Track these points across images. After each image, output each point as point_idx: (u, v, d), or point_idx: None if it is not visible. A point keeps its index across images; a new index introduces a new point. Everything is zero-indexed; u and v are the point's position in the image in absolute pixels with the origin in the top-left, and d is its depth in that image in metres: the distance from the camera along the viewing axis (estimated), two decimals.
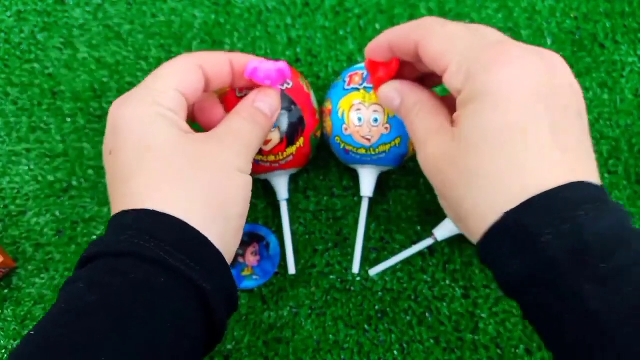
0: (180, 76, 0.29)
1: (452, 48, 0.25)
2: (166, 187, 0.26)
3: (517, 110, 0.23)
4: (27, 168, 0.41)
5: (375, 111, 0.34)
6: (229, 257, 0.28)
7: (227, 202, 0.27)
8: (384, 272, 0.39)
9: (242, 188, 0.28)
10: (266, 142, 0.35)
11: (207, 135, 0.29)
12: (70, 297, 0.23)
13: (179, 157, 0.27)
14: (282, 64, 0.32)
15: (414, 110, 0.28)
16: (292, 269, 0.38)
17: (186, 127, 0.29)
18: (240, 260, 0.39)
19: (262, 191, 0.41)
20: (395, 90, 0.30)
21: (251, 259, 0.39)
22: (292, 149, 0.35)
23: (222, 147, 0.28)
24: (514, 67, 0.23)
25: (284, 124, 0.34)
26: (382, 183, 0.41)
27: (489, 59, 0.23)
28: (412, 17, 0.45)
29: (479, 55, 0.24)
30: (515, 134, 0.22)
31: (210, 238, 0.26)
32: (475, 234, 0.24)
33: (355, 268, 0.39)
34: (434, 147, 0.26)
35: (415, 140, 0.28)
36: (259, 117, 0.31)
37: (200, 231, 0.25)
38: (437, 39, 0.26)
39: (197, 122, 0.33)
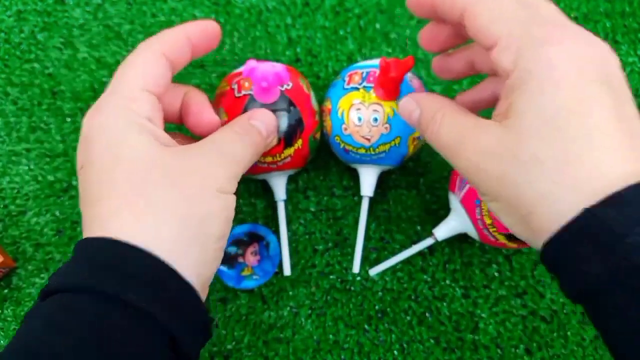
0: (147, 72, 0.26)
1: (502, 21, 0.23)
2: (135, 211, 0.23)
3: (578, 91, 0.21)
4: (27, 168, 0.41)
5: (375, 111, 0.34)
6: (204, 283, 0.25)
7: (205, 223, 0.25)
8: (384, 272, 0.39)
9: (223, 208, 0.26)
10: None
11: (189, 148, 0.26)
12: (26, 335, 0.21)
13: (154, 174, 0.24)
14: (280, 68, 0.32)
15: (437, 119, 0.26)
16: (287, 271, 0.38)
17: (165, 137, 0.26)
18: (240, 260, 0.39)
19: (262, 191, 0.41)
20: (413, 101, 0.28)
21: (251, 258, 0.39)
22: (290, 151, 0.35)
23: (206, 161, 0.26)
24: (568, 47, 0.21)
25: (283, 125, 0.34)
26: (382, 183, 0.41)
27: (542, 37, 0.21)
28: (412, 17, 0.45)
29: (531, 32, 0.22)
30: (579, 116, 0.20)
31: (181, 266, 0.23)
32: (541, 234, 0.21)
33: (356, 268, 0.39)
34: (476, 144, 0.23)
35: (446, 150, 0.26)
36: (253, 134, 0.29)
37: (170, 259, 0.23)
38: (486, 9, 0.23)
39: (184, 124, 0.32)
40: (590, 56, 0.21)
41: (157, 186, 0.24)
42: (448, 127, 0.26)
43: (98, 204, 0.24)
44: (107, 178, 0.24)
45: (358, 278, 0.39)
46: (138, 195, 0.24)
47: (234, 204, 0.27)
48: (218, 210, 0.25)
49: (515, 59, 0.22)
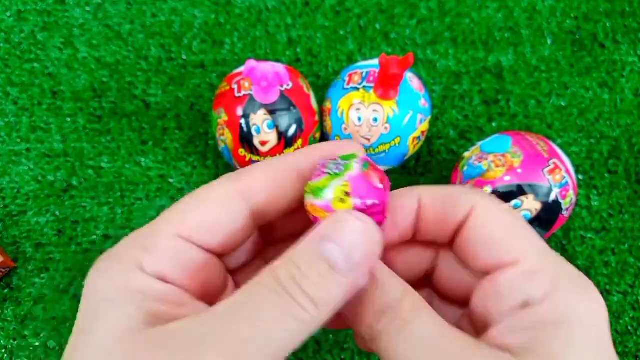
0: (195, 213, 0.18)
1: (524, 241, 0.18)
2: None
3: (608, 350, 0.17)
4: (27, 168, 0.41)
5: (374, 111, 0.34)
6: None
7: None
8: None
9: None
10: (264, 143, 0.35)
11: (189, 329, 0.16)
12: None
13: None
14: (280, 67, 0.32)
15: (418, 313, 0.17)
16: None
17: (168, 311, 0.17)
18: None
19: None
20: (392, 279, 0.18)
21: None
22: (290, 151, 0.35)
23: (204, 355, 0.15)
24: (601, 304, 0.18)
25: (283, 125, 0.34)
26: None
27: (581, 284, 0.18)
28: (412, 17, 0.45)
29: (566, 272, 0.18)
30: None
31: None
32: None
33: None
34: None
35: None
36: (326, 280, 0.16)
37: None
38: (500, 220, 0.18)
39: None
40: (605, 320, 0.18)
41: None
42: (423, 340, 0.16)
43: None
44: (76, 347, 0.17)
45: None
46: None
47: None
48: None
49: (550, 289, 0.17)
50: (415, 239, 0.20)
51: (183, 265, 0.18)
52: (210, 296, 0.19)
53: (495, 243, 0.18)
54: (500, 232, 0.18)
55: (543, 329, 0.17)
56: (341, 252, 0.16)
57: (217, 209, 0.19)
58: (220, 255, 0.20)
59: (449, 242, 0.20)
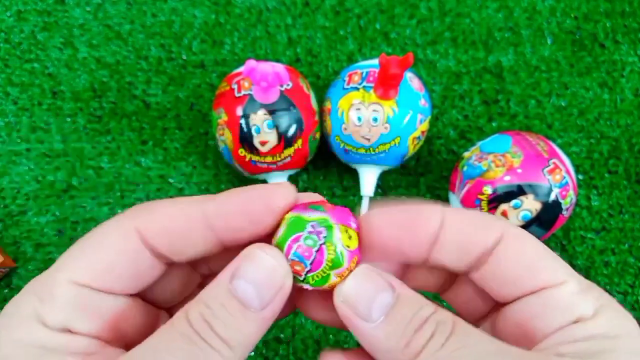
0: (87, 256, 0.17)
1: (561, 264, 0.18)
2: None
3: None
4: (27, 168, 0.41)
5: (374, 110, 0.34)
6: None
7: None
8: None
9: None
10: (263, 143, 0.35)
11: None
12: None
13: None
14: (280, 67, 0.32)
15: (464, 328, 0.16)
16: None
17: (83, 348, 0.17)
18: None
19: None
20: (378, 280, 0.17)
21: None
22: (290, 151, 0.35)
23: None
24: (632, 320, 0.18)
25: (283, 125, 0.34)
26: (382, 183, 0.41)
27: (613, 301, 0.18)
28: (412, 17, 0.45)
29: (600, 290, 0.18)
30: None
31: None
32: None
33: None
34: None
35: None
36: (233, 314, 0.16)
37: None
38: (534, 245, 0.18)
39: None
40: None
41: None
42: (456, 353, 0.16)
43: None
44: None
45: None
46: None
47: None
48: None
49: (598, 309, 0.18)
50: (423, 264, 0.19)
51: (89, 313, 0.17)
52: (132, 339, 0.18)
53: (535, 266, 0.18)
54: (539, 256, 0.18)
55: (598, 341, 0.17)
56: (252, 289, 0.16)
57: (111, 252, 0.18)
58: (139, 294, 0.19)
59: (467, 268, 0.18)
